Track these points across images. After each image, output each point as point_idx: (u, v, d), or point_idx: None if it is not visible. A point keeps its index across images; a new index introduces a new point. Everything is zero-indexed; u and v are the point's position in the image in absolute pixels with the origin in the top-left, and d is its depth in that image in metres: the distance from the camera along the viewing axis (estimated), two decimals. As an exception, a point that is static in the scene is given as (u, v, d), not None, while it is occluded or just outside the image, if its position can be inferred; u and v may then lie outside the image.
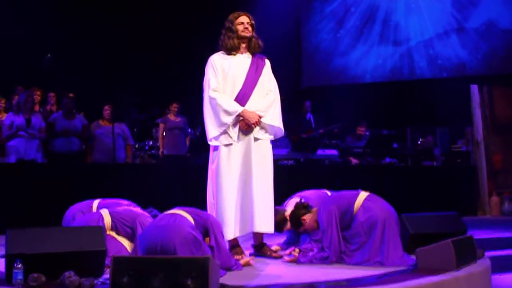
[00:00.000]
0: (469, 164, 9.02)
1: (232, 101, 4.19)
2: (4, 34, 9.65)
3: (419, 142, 10.01)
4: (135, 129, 9.37)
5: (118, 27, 10.86)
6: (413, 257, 3.71)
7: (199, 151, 7.78)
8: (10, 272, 3.12)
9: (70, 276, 3.07)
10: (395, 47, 12.33)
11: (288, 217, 4.32)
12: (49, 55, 7.72)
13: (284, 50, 11.46)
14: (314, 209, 4.14)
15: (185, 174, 6.91)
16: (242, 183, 4.13)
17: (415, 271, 3.43)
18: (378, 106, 11.33)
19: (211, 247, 3.59)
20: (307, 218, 4.14)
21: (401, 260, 3.74)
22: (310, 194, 4.67)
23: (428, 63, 12.09)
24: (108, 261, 3.21)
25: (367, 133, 9.66)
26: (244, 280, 3.31)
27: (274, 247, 4.49)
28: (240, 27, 4.28)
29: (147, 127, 9.77)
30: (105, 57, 10.60)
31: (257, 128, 4.21)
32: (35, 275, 3.11)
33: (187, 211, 3.64)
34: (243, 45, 4.31)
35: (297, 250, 4.26)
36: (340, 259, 3.87)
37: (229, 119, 4.15)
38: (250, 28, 4.30)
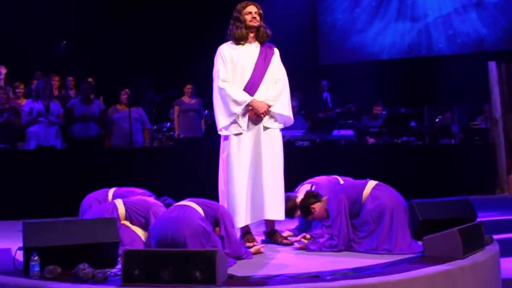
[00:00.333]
0: (487, 142, 8.92)
1: (241, 91, 4.22)
2: (22, 20, 9.77)
3: (437, 120, 9.91)
4: (153, 110, 9.37)
5: (137, 14, 10.87)
6: (422, 243, 3.75)
7: (216, 133, 7.81)
8: (28, 265, 3.25)
9: (84, 268, 3.17)
10: (413, 23, 12.16)
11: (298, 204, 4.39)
12: (64, 42, 7.82)
13: (300, 30, 11.41)
14: (324, 198, 4.19)
15: (199, 158, 7.00)
16: (253, 172, 4.19)
17: (421, 260, 3.46)
18: (395, 83, 11.25)
19: (221, 237, 3.67)
20: (317, 207, 4.19)
21: (409, 247, 3.79)
22: (321, 181, 4.72)
23: (446, 39, 11.91)
24: (121, 250, 3.31)
25: (384, 112, 9.60)
26: (252, 270, 3.38)
27: (285, 233, 4.57)
28: (248, 17, 4.30)
29: (165, 109, 9.83)
30: (124, 42, 10.63)
31: (267, 117, 4.25)
32: (51, 267, 3.22)
33: (197, 203, 3.73)
34: (251, 35, 4.34)
35: (307, 236, 4.34)
36: (349, 247, 3.94)
37: (238, 109, 4.19)
38: (258, 18, 4.32)
